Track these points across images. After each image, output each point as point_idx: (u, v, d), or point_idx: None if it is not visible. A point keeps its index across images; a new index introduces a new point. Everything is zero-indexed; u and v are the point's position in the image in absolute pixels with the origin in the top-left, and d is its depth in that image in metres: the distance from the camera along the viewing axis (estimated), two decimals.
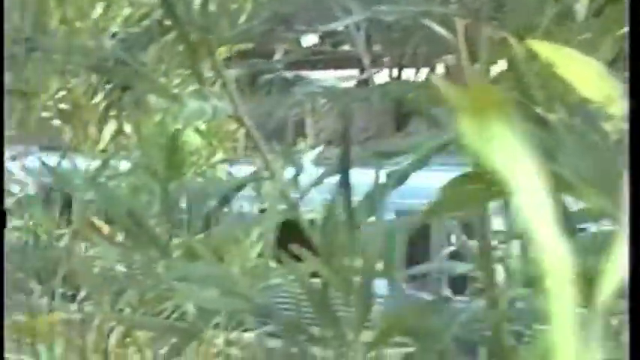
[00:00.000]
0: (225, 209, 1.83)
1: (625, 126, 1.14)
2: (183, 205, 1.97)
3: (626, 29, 1.43)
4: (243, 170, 2.08)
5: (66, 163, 2.97)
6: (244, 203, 2.04)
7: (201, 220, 1.84)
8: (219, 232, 1.71)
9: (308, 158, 1.80)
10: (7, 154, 3.05)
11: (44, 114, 3.07)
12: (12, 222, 3.02)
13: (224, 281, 1.35)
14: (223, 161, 2.97)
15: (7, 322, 2.95)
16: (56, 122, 3.07)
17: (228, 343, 2.13)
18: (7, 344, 3.07)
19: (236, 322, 2.13)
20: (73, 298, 3.08)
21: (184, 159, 2.57)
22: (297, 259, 1.29)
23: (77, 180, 2.94)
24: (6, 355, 3.11)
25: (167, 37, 1.93)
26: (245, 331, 1.89)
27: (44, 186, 3.07)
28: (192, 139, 2.81)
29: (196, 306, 1.76)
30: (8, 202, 3.09)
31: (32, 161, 3.10)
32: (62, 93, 3.01)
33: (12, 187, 3.26)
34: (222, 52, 2.19)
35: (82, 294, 3.03)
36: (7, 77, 2.92)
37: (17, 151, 3.13)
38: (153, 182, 2.02)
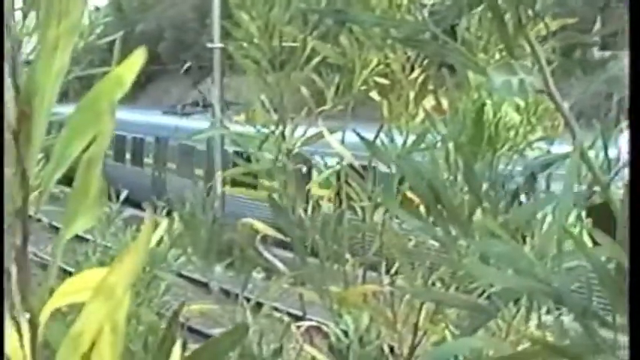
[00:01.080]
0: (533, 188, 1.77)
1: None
2: (490, 181, 1.93)
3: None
4: (563, 149, 2.00)
5: (383, 137, 3.00)
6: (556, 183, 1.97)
7: (507, 198, 1.79)
8: (522, 211, 1.65)
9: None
10: (325, 126, 3.13)
11: (361, 88, 3.11)
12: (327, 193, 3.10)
13: (520, 262, 1.30)
14: (541, 139, 2.89)
15: (323, 290, 3.03)
16: (373, 96, 3.11)
17: (528, 323, 2.08)
18: (323, 312, 3.16)
19: (536, 303, 2.06)
20: (386, 271, 3.11)
21: (497, 135, 2.52)
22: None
23: (393, 154, 2.97)
24: (322, 321, 3.19)
25: (477, 9, 1.89)
26: (548, 312, 1.83)
27: (361, 159, 3.12)
28: (510, 115, 2.75)
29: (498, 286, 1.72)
30: (325, 174, 3.17)
31: (349, 135, 3.16)
32: (380, 67, 3.04)
33: (329, 160, 3.34)
34: (542, 26, 2.11)
35: (395, 267, 3.06)
36: (326, 50, 2.99)
37: (335, 125, 3.20)
38: (459, 157, 2.00)
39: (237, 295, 3.05)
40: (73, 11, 0.70)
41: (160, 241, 4.64)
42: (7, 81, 0.71)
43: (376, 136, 2.98)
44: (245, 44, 3.03)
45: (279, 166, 3.04)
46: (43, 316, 0.75)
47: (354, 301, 2.94)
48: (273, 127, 3.08)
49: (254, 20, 2.90)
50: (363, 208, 3.04)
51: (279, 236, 3.07)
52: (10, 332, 0.74)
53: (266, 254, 3.16)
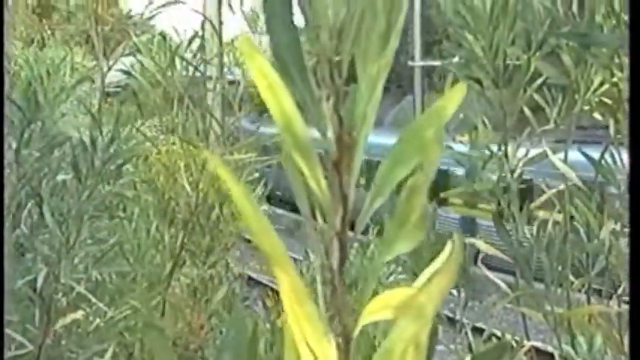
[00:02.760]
0: None
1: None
2: None
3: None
4: None
5: (608, 157, 2.95)
6: None
7: None
8: None
9: None
10: (547, 146, 3.11)
11: (585, 107, 3.07)
12: (552, 215, 3.07)
13: None
14: None
15: (547, 311, 3.01)
16: (596, 116, 3.06)
17: None
18: (535, 335, 3.13)
19: None
20: (612, 292, 3.06)
21: None
22: None
23: (619, 174, 2.92)
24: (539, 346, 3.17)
25: None
26: None
27: (586, 179, 3.09)
28: None
29: None
30: (549, 193, 3.15)
31: (574, 154, 3.13)
32: (605, 86, 2.99)
33: (552, 182, 3.30)
34: None
35: (621, 288, 3.00)
36: (549, 70, 2.97)
37: (557, 145, 3.17)
38: None
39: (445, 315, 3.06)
40: (390, 44, 0.74)
41: (372, 257, 4.71)
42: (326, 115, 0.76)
43: (601, 156, 2.93)
44: (465, 63, 3.04)
45: (503, 186, 3.05)
46: (354, 333, 0.79)
47: (579, 322, 2.90)
48: (495, 147, 3.08)
49: (478, 40, 2.92)
50: (588, 228, 3.00)
51: (503, 256, 3.06)
52: (327, 350, 0.78)
53: (488, 274, 3.16)
